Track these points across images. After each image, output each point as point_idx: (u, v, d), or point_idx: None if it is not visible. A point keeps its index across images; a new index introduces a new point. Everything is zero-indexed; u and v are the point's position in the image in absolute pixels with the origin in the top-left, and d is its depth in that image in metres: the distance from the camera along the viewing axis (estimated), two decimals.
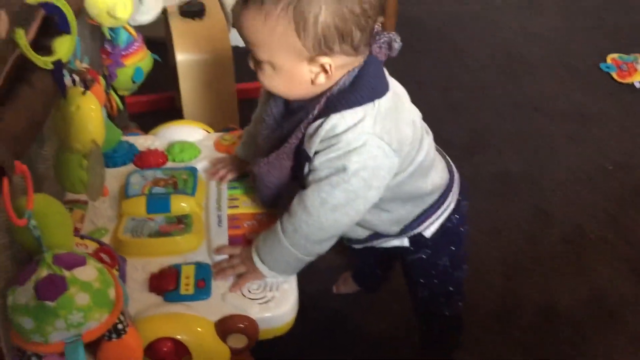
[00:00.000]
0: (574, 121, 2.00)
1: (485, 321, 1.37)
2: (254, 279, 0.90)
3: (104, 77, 1.39)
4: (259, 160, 0.94)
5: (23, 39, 0.76)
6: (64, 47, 0.84)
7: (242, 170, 1.08)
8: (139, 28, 1.38)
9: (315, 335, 1.32)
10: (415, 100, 0.97)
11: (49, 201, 0.79)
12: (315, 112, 0.87)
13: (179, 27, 1.53)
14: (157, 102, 1.94)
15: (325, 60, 0.83)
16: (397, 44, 0.89)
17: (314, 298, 1.40)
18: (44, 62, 0.80)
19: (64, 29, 0.84)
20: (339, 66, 0.85)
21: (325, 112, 0.86)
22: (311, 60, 0.83)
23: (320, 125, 0.86)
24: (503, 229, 1.60)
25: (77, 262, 0.74)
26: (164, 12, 1.58)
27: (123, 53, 1.38)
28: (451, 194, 1.04)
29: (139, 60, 1.40)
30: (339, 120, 0.85)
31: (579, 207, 1.68)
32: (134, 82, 1.42)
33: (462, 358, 1.28)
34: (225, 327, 0.85)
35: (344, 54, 0.84)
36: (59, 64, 0.83)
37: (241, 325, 0.85)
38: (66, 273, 0.72)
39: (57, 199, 0.95)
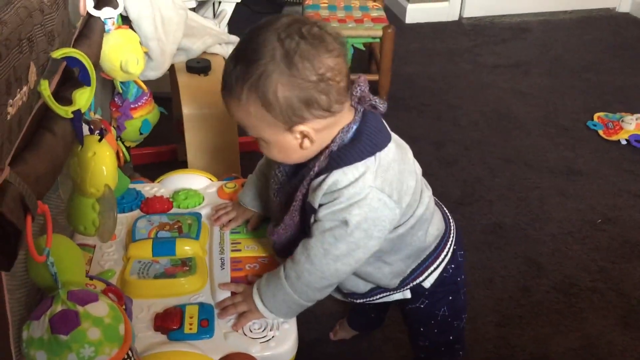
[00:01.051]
0: (563, 176, 2.07)
1: None
2: (255, 319, 0.94)
3: (113, 129, 1.46)
4: (274, 229, 1.00)
5: (47, 89, 0.83)
6: (83, 98, 0.90)
7: (244, 216, 1.13)
8: (147, 83, 1.45)
9: None
10: None
11: (65, 241, 0.84)
12: (316, 168, 0.91)
13: (185, 82, 1.61)
14: (160, 154, 2.01)
15: (301, 128, 0.88)
16: (381, 107, 0.93)
17: (312, 345, 1.43)
18: (65, 111, 0.87)
19: (85, 82, 0.91)
20: (320, 129, 0.89)
21: (328, 168, 0.90)
22: (289, 130, 0.89)
23: (323, 180, 0.90)
24: (496, 279, 1.64)
25: (90, 298, 0.78)
26: (171, 68, 1.67)
27: (132, 106, 1.45)
28: (448, 244, 1.08)
29: (147, 113, 1.47)
30: (340, 176, 0.89)
31: (570, 258, 1.72)
32: (141, 133, 1.49)
33: None
34: None
35: (318, 118, 0.88)
36: (78, 114, 0.89)
37: None
38: (79, 308, 0.76)
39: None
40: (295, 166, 0.98)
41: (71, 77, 0.93)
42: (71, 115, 0.88)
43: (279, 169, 1.00)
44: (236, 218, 1.13)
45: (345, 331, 1.45)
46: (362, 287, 1.06)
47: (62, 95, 0.89)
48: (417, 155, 1.02)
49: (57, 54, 0.84)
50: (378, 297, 1.08)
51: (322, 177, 0.91)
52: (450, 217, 1.12)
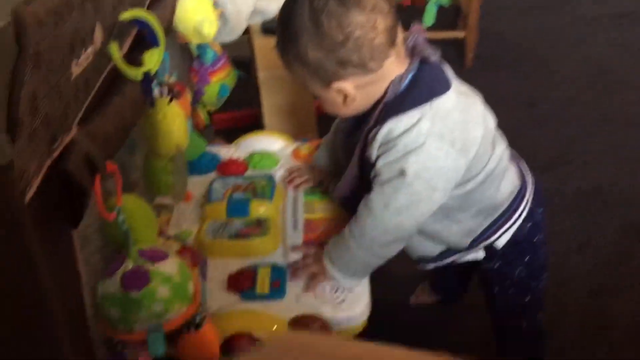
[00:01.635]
0: None
1: (568, 337, 1.32)
2: (325, 281, 0.92)
3: (193, 93, 1.48)
4: (338, 186, 1.00)
5: (116, 52, 0.83)
6: (152, 59, 0.90)
7: (318, 178, 1.11)
8: (226, 47, 1.45)
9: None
10: (498, 116, 0.96)
11: (137, 201, 0.85)
12: (372, 121, 0.90)
13: (261, 44, 1.59)
14: (242, 118, 2.02)
15: (339, 85, 0.88)
16: (434, 57, 0.90)
17: (391, 308, 1.39)
18: (135, 73, 0.87)
19: (153, 43, 0.91)
20: (362, 85, 0.88)
21: (383, 119, 0.89)
22: (329, 87, 0.88)
23: (378, 131, 0.89)
24: (591, 245, 1.54)
25: (160, 256, 0.79)
26: (247, 31, 1.65)
27: (210, 70, 1.45)
28: (524, 202, 1.02)
29: (225, 77, 1.47)
30: (394, 125, 0.87)
31: None
32: (219, 97, 1.50)
33: None
34: (299, 325, 0.87)
35: (354, 75, 0.87)
36: (147, 76, 0.89)
37: (314, 324, 0.87)
38: (150, 266, 0.77)
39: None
40: (355, 120, 0.96)
41: (144, 41, 0.94)
42: (141, 77, 0.88)
43: (345, 123, 0.99)
44: (309, 179, 1.12)
45: (426, 295, 1.41)
46: (431, 249, 1.03)
47: (134, 58, 0.90)
48: (506, 115, 0.96)
49: (125, 15, 0.84)
50: (450, 259, 1.04)
51: (377, 128, 0.89)
52: (527, 172, 1.06)
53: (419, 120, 0.87)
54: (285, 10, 0.89)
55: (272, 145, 1.26)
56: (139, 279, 0.76)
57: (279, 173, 1.17)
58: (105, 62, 0.83)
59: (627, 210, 1.64)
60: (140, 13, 0.87)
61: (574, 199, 1.68)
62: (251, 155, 1.22)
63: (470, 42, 2.24)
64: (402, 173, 0.87)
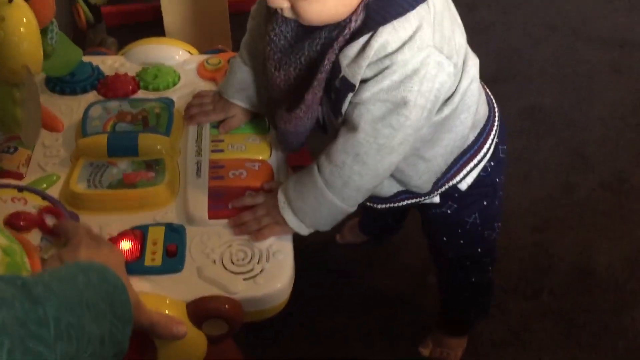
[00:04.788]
0: (617, 48, 1.76)
1: (511, 283, 1.20)
2: (281, 233, 0.74)
3: None
4: (286, 114, 0.75)
5: None
6: None
7: (226, 112, 0.86)
8: None
9: (314, 291, 1.14)
10: None
11: None
12: (352, 26, 0.67)
13: None
14: (140, 12, 1.70)
15: None
16: None
17: (314, 247, 1.22)
18: None
19: None
20: None
21: (368, 26, 0.66)
22: None
23: (367, 44, 0.67)
24: (533, 173, 1.41)
25: None
26: None
27: None
28: (491, 135, 0.84)
29: None
30: (390, 35, 0.66)
31: (621, 148, 1.47)
32: None
33: (484, 327, 1.12)
34: (201, 310, 0.67)
35: None
36: None
37: (221, 308, 0.67)
38: None
39: None
40: (301, 30, 0.72)
41: None
42: None
43: (274, 31, 0.74)
44: (215, 112, 0.87)
45: (354, 235, 1.24)
46: (387, 188, 0.83)
47: None
48: None
49: None
50: (404, 202, 0.86)
51: (363, 39, 0.67)
52: (493, 99, 0.88)
53: (419, 27, 0.66)
54: None
55: (171, 58, 0.99)
56: None
57: (178, 95, 0.92)
58: None
59: (572, 134, 1.50)
60: None
61: (516, 121, 1.53)
62: (144, 70, 0.96)
63: None
64: (402, 104, 0.67)
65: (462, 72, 0.75)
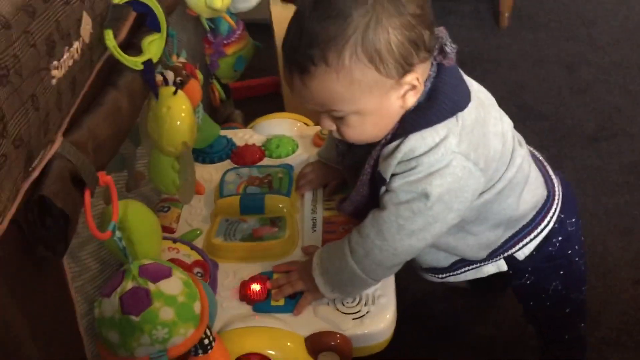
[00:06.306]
0: None
1: (613, 335, 1.22)
2: (315, 299, 0.84)
3: (207, 66, 1.38)
4: (341, 204, 0.89)
5: (112, 40, 0.74)
6: (154, 46, 0.81)
7: (328, 178, 1.00)
8: (242, 13, 1.34)
9: (420, 337, 1.23)
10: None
11: (139, 208, 0.77)
12: (389, 135, 0.78)
13: (279, 13, 1.48)
14: (262, 86, 1.92)
15: (410, 78, 0.75)
16: (449, 48, 0.78)
17: (420, 296, 1.31)
18: (134, 62, 0.77)
19: (154, 28, 0.81)
20: (422, 76, 0.77)
21: (402, 133, 0.78)
22: (397, 85, 0.75)
23: (397, 147, 0.77)
24: (636, 228, 1.43)
25: (163, 273, 0.71)
26: None
27: (225, 42, 1.35)
28: (550, 212, 0.91)
29: (241, 49, 1.37)
30: (418, 142, 0.76)
31: None
32: (235, 70, 1.40)
33: None
34: (317, 343, 0.80)
35: (422, 62, 0.76)
36: (149, 64, 0.80)
37: (334, 342, 0.80)
38: (151, 286, 0.69)
39: (151, 201, 0.94)
40: None
41: (144, 25, 0.84)
42: (141, 67, 0.79)
43: (338, 139, 0.86)
44: (317, 180, 1.00)
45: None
46: (443, 260, 0.93)
47: (133, 45, 0.81)
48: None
49: None
50: (464, 270, 0.94)
51: (395, 142, 0.78)
52: (555, 179, 0.95)
53: (445, 137, 0.76)
54: (333, 1, 0.72)
55: (291, 129, 1.16)
56: (138, 300, 0.68)
57: (298, 161, 1.07)
58: (98, 54, 0.73)
59: None
60: None
61: (618, 177, 1.56)
62: (269, 140, 1.13)
63: (506, 0, 2.08)
64: (424, 196, 0.77)
65: (507, 165, 0.83)
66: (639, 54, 1.98)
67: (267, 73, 1.89)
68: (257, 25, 1.44)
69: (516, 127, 0.90)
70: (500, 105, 0.90)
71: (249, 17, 1.37)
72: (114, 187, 0.68)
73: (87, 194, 0.63)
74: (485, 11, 2.25)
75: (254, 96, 1.90)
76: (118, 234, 0.69)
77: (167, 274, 0.71)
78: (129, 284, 0.69)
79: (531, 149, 0.94)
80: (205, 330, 0.72)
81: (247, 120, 1.28)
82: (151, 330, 0.68)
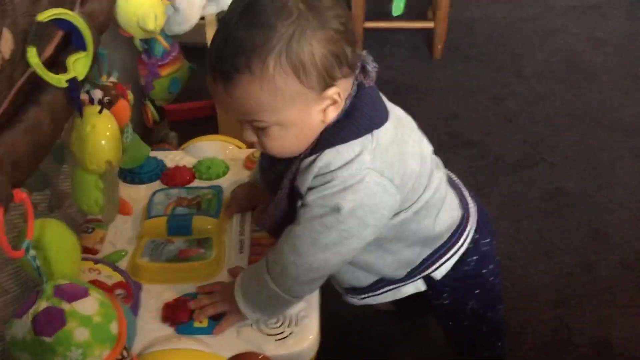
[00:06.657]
0: (638, 136, 1.86)
1: (532, 355, 1.27)
2: (238, 320, 0.84)
3: (141, 87, 1.37)
4: (261, 218, 0.90)
5: (34, 57, 0.73)
6: (79, 64, 0.81)
7: (258, 200, 1.01)
8: (178, 35, 1.35)
9: (350, 358, 1.25)
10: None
11: (56, 227, 0.76)
12: (308, 149, 0.80)
13: None
14: (198, 109, 1.91)
15: (332, 92, 0.77)
16: (370, 66, 0.81)
17: (347, 320, 1.33)
18: (58, 80, 0.77)
19: (79, 46, 0.81)
20: (343, 91, 0.79)
21: (318, 148, 0.79)
22: (319, 98, 0.77)
23: (314, 161, 0.79)
24: (555, 253, 1.49)
25: (78, 293, 0.70)
26: (203, 18, 1.55)
27: (159, 63, 1.35)
28: (465, 233, 0.95)
29: (176, 71, 1.37)
30: (333, 157, 0.78)
31: None
32: (170, 92, 1.40)
33: None
34: None
35: (344, 78, 0.78)
36: (74, 82, 0.80)
37: None
38: (66, 306, 0.68)
39: (75, 222, 0.92)
40: None
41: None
42: (65, 85, 0.78)
43: (262, 155, 0.88)
44: (246, 201, 1.01)
45: (386, 304, 1.35)
46: (364, 279, 0.95)
47: (61, 62, 0.80)
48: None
49: (43, 16, 0.74)
50: (384, 290, 0.96)
51: (312, 157, 0.79)
52: (470, 201, 0.99)
53: (360, 153, 0.78)
54: (261, 11, 0.72)
55: (222, 152, 1.17)
56: (52, 320, 0.67)
57: (227, 183, 1.08)
58: (20, 71, 0.73)
59: (594, 216, 1.59)
60: (62, 12, 0.77)
61: (540, 203, 1.63)
62: (199, 162, 1.13)
63: (440, 33, 2.16)
64: (336, 209, 0.78)
65: (425, 186, 0.86)
66: (563, 86, 2.10)
67: (204, 96, 1.89)
68: (192, 48, 1.44)
69: (446, 154, 0.93)
70: (431, 132, 0.93)
71: (185, 40, 1.38)
72: (30, 205, 0.67)
73: (0, 211, 0.62)
74: (420, 42, 2.33)
75: (190, 119, 1.90)
76: (32, 252, 0.67)
77: (84, 294, 0.70)
78: (42, 304, 0.68)
79: (448, 172, 0.98)
80: (122, 352, 0.71)
81: (182, 142, 1.28)
82: (65, 352, 0.67)
